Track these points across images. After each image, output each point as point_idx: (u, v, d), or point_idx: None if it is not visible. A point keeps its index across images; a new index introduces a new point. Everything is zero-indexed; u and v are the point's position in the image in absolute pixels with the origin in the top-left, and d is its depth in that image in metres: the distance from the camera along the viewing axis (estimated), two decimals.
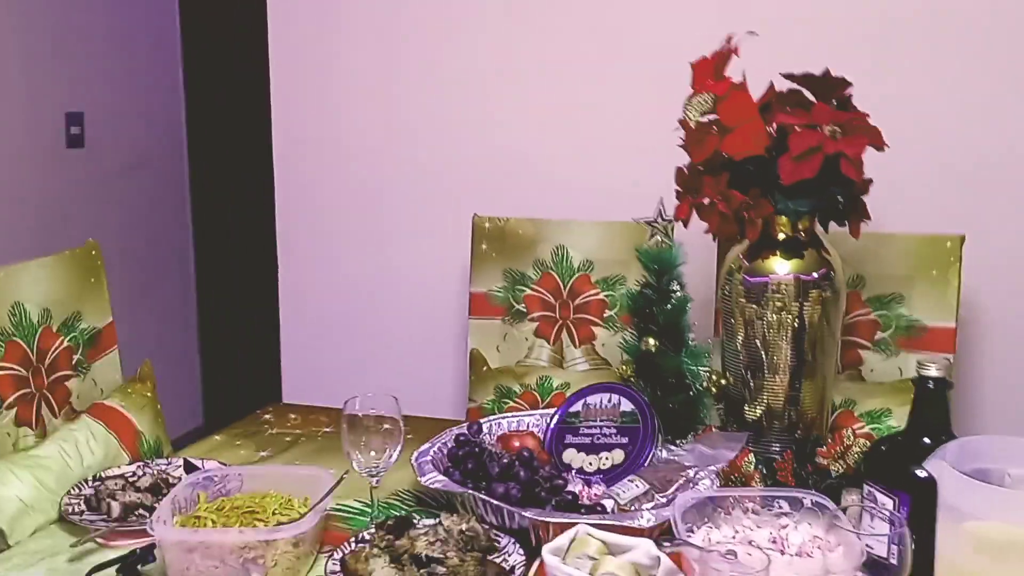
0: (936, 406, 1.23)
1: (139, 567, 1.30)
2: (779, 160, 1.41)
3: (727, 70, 1.46)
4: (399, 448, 1.43)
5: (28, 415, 1.60)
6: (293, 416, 1.95)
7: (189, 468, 1.59)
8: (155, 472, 1.56)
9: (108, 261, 3.09)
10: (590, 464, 1.55)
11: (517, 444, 1.59)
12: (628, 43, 2.21)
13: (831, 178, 1.42)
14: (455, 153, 2.37)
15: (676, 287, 1.60)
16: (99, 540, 1.37)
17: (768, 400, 1.56)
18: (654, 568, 1.19)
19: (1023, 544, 1.02)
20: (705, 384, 1.59)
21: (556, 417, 1.60)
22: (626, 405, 1.57)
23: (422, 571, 1.27)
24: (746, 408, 1.58)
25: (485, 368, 2.06)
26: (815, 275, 1.51)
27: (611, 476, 1.52)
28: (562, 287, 2.09)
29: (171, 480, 1.53)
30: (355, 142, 2.46)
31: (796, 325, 1.51)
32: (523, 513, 1.33)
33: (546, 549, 1.21)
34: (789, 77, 1.52)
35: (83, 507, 1.46)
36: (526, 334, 2.11)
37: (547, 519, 1.31)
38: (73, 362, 1.71)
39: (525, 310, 2.11)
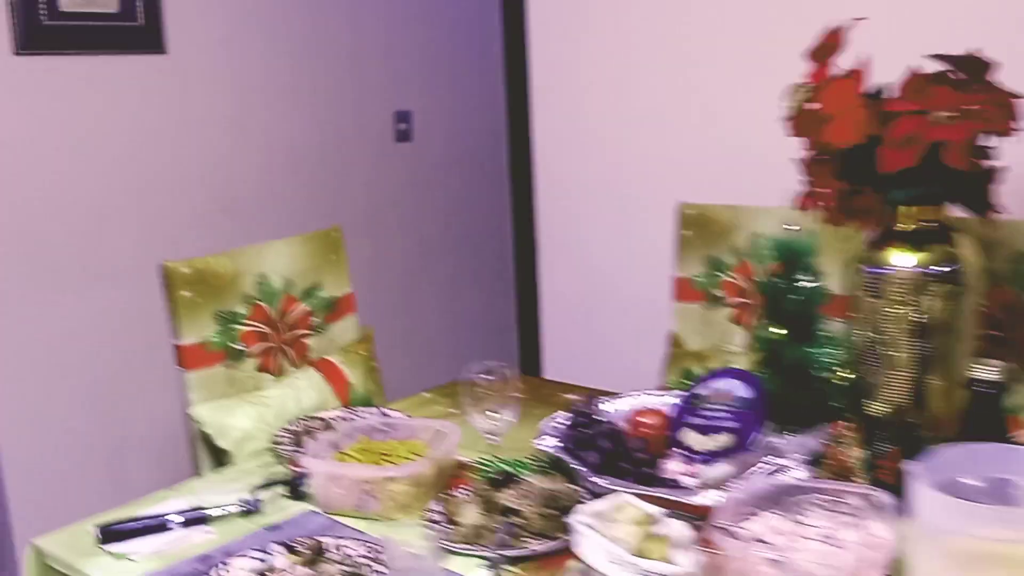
0: (988, 410, 1.15)
1: (300, 487, 1.63)
2: (878, 149, 1.37)
3: (835, 57, 1.44)
4: (513, 412, 1.61)
5: (268, 364, 2.01)
6: (504, 379, 2.18)
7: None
8: (351, 418, 1.89)
9: (430, 246, 3.55)
10: (702, 444, 1.61)
11: (644, 420, 1.70)
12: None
13: (938, 167, 1.35)
14: (663, 142, 2.47)
15: (806, 276, 1.60)
16: (289, 466, 1.72)
17: (888, 396, 1.50)
18: (685, 545, 1.26)
19: (992, 556, 0.96)
20: (830, 377, 1.57)
21: (683, 398, 1.67)
22: (744, 391, 1.60)
23: (500, 518, 1.45)
24: (866, 404, 1.53)
25: (678, 349, 2.14)
26: (938, 268, 1.43)
27: (718, 458, 1.57)
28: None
29: None
30: (599, 135, 2.64)
31: (916, 320, 1.45)
32: (590, 478, 1.45)
33: (583, 509, 1.33)
34: (938, 58, 1.45)
35: (287, 439, 1.82)
36: (723, 320, 2.16)
37: (607, 484, 1.42)
38: (312, 323, 2.10)
39: (723, 295, 2.15)
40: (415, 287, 3.55)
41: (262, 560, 1.41)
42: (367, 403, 2.04)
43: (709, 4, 2.37)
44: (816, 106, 1.44)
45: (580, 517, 1.32)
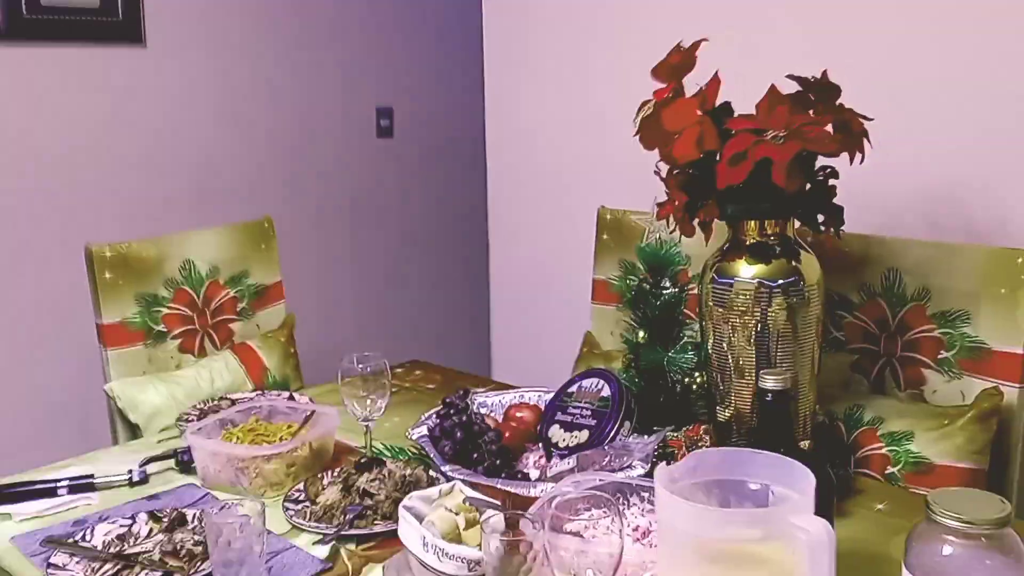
0: (775, 418, 1.21)
1: (186, 462, 1.73)
2: (716, 166, 1.43)
3: (684, 74, 1.50)
4: (384, 400, 1.70)
5: (189, 345, 2.12)
6: (418, 372, 2.27)
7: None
8: (254, 400, 1.99)
9: (411, 236, 3.61)
10: (563, 440, 1.68)
11: (519, 415, 1.77)
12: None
13: (770, 184, 1.40)
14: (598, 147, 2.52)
15: (668, 284, 1.66)
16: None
17: (735, 403, 1.56)
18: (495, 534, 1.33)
19: (725, 555, 1.02)
20: (687, 381, 1.63)
21: (553, 395, 1.75)
22: (606, 391, 1.67)
23: (356, 500, 1.54)
24: (716, 409, 1.59)
25: (588, 350, 2.21)
26: (780, 281, 1.49)
27: (575, 453, 1.64)
28: None
29: None
30: (543, 136, 2.71)
31: (759, 330, 1.50)
32: (441, 466, 1.53)
33: (414, 494, 1.41)
34: (794, 79, 1.50)
35: (194, 417, 1.93)
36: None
37: (451, 472, 1.51)
38: (237, 309, 2.21)
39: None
40: (395, 281, 3.65)
41: (126, 526, 1.52)
42: (282, 387, 2.14)
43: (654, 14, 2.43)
44: (661, 122, 1.50)
45: (406, 501, 1.40)
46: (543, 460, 1.64)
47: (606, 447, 1.62)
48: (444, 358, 2.55)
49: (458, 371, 2.33)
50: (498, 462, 1.58)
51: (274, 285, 2.29)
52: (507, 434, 1.68)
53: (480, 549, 1.30)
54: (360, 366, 1.70)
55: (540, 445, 1.69)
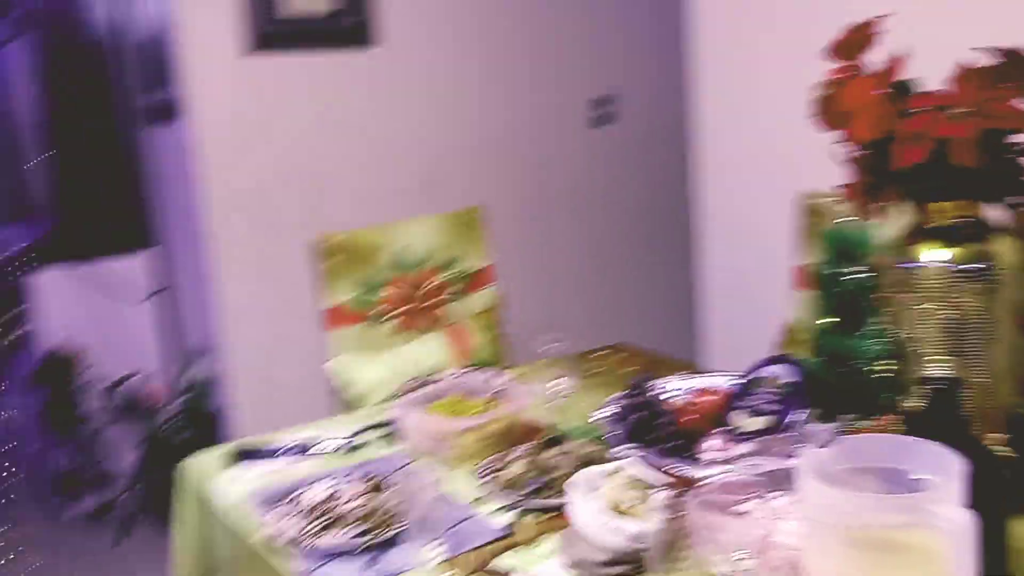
0: (942, 408, 1.17)
1: (396, 433, 1.89)
2: (891, 145, 1.39)
3: (863, 52, 1.46)
4: (571, 381, 1.78)
5: (404, 326, 2.30)
6: (620, 356, 2.33)
7: None
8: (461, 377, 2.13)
9: (619, 224, 3.68)
10: (746, 426, 1.68)
11: (704, 399, 1.79)
12: None
13: (951, 163, 1.35)
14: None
15: (858, 268, 1.62)
16: None
17: (922, 392, 1.50)
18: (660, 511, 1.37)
19: (874, 542, 1.02)
20: (875, 369, 1.59)
21: (740, 380, 1.75)
22: (792, 377, 1.66)
23: (539, 474, 1.64)
24: (902, 398, 1.54)
25: (789, 337, 2.18)
26: (969, 265, 1.42)
27: (755, 439, 1.64)
28: None
29: None
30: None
31: (946, 317, 1.44)
32: (617, 445, 1.59)
33: (587, 469, 1.48)
34: (985, 51, 1.43)
35: (405, 393, 2.09)
36: None
37: (626, 451, 1.56)
38: (448, 292, 2.37)
39: None
40: (602, 266, 3.72)
41: (338, 486, 1.69)
42: (488, 366, 2.27)
43: None
44: (840, 101, 1.47)
45: (578, 475, 1.47)
46: (723, 444, 1.65)
47: (788, 434, 1.61)
48: (650, 343, 2.59)
49: (660, 356, 2.36)
50: (674, 444, 1.62)
51: (484, 269, 2.43)
52: (689, 418, 1.71)
53: (644, 524, 1.35)
54: (551, 348, 1.79)
55: (722, 430, 1.70)
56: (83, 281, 3.48)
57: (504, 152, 3.42)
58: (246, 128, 3.00)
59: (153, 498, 3.12)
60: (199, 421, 3.27)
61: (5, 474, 3.74)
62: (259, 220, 2.99)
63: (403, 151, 3.21)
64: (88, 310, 3.50)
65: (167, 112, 3.13)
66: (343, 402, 2.19)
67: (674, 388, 1.90)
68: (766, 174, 2.68)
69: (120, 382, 3.40)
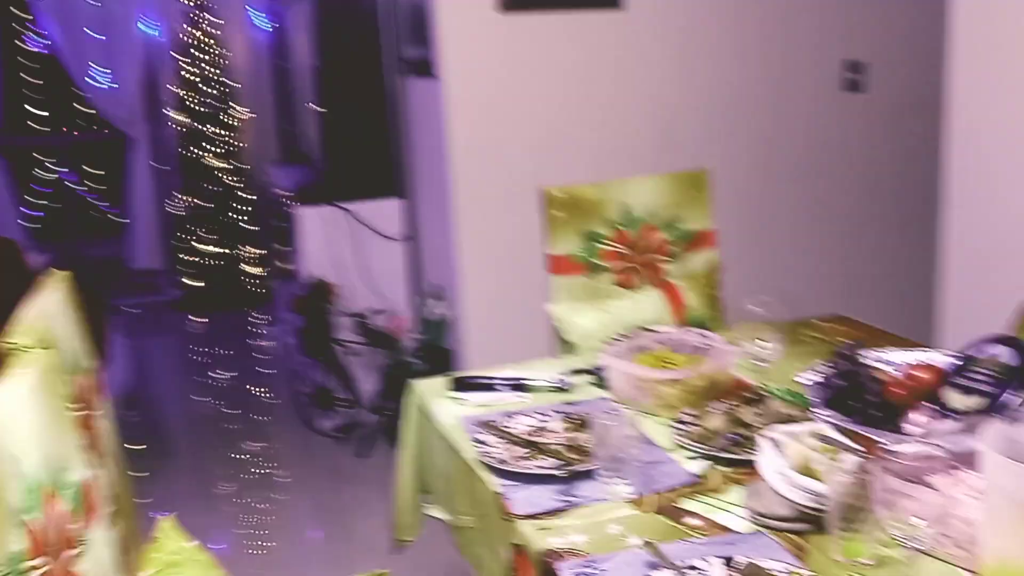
0: None
1: (602, 378, 1.99)
2: None
3: None
4: (777, 344, 1.79)
5: (623, 280, 2.38)
6: (842, 328, 2.29)
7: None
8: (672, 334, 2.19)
9: (861, 194, 3.58)
10: (957, 404, 1.63)
11: (918, 374, 1.75)
12: None
13: None
14: None
15: None
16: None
17: None
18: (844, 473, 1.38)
19: None
20: None
21: (957, 359, 1.70)
22: (1012, 360, 1.59)
23: (735, 429, 1.68)
24: None
25: None
26: None
27: (964, 417, 1.59)
28: None
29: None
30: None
31: None
32: (816, 408, 1.60)
33: (780, 427, 1.51)
34: None
35: (617, 342, 2.18)
36: None
37: (820, 415, 1.57)
38: (669, 251, 2.42)
39: None
40: (836, 236, 3.61)
41: (544, 421, 1.82)
42: (700, 326, 2.31)
43: None
44: None
45: (770, 432, 1.50)
46: (928, 420, 1.62)
47: (1001, 415, 1.56)
48: (878, 318, 2.52)
49: (883, 332, 2.30)
50: (875, 414, 1.61)
51: (706, 232, 2.46)
52: (897, 390, 1.69)
53: (828, 485, 1.37)
54: (761, 310, 1.82)
55: (930, 405, 1.67)
56: (342, 221, 3.82)
57: (742, 115, 3.40)
58: (494, 84, 3.17)
59: (390, 420, 3.40)
60: (435, 356, 3.52)
61: (268, 395, 4.21)
62: (498, 172, 3.16)
63: (640, 111, 3.27)
64: (344, 247, 3.83)
65: (424, 67, 3.35)
66: (560, 345, 2.32)
67: (889, 360, 1.88)
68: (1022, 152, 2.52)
69: (368, 314, 3.72)
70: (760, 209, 3.46)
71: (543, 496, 1.57)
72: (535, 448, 1.71)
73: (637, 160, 3.20)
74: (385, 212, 3.82)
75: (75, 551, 1.13)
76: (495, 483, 1.62)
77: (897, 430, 1.59)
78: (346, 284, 3.80)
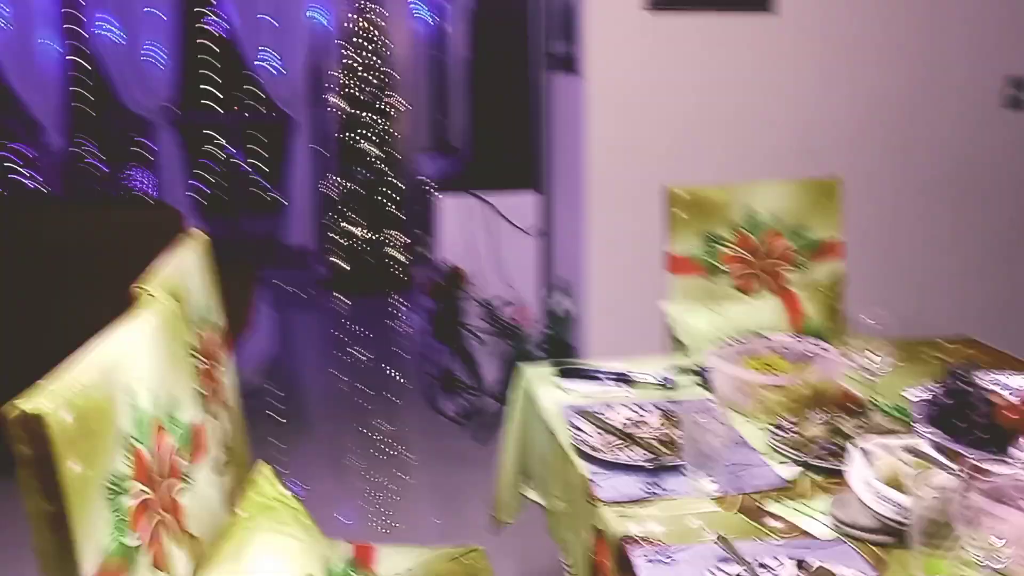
0: None
1: (706, 379, 1.99)
2: None
3: None
4: (886, 359, 1.75)
5: (742, 284, 2.36)
6: (969, 351, 2.20)
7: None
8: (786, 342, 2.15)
9: (1004, 219, 3.40)
10: None
11: None
12: None
13: None
14: None
15: None
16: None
17: None
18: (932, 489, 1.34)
19: None
20: None
21: None
22: None
23: (833, 439, 1.66)
24: None
25: None
26: None
27: None
28: None
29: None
30: None
31: None
32: (917, 425, 1.55)
33: (874, 439, 1.49)
34: None
35: (729, 345, 2.17)
36: None
37: (921, 431, 1.52)
38: (793, 259, 2.38)
39: None
40: (978, 259, 3.44)
41: (642, 415, 1.83)
42: (816, 336, 2.26)
43: None
44: None
45: (863, 443, 1.48)
46: None
47: None
48: (1011, 345, 2.41)
49: (1011, 356, 2.20)
50: (982, 435, 1.55)
51: (833, 242, 2.41)
52: (1009, 414, 1.62)
53: (916, 500, 1.34)
54: (876, 324, 1.78)
55: None
56: (480, 211, 3.91)
57: (886, 126, 3.29)
58: (635, 82, 3.19)
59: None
60: (558, 348, 3.57)
61: (401, 376, 4.36)
62: (632, 170, 3.18)
63: (780, 116, 3.22)
64: (480, 237, 3.93)
65: (569, 64, 3.40)
66: (672, 342, 2.32)
67: (1007, 384, 1.80)
68: None
69: (497, 304, 3.80)
70: (894, 223, 3.34)
71: (629, 485, 1.59)
72: (628, 439, 1.73)
73: (771, 164, 3.15)
74: (521, 204, 3.89)
75: (179, 484, 1.23)
76: (585, 468, 1.65)
77: (1003, 454, 1.53)
78: (478, 272, 3.89)
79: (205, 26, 6.23)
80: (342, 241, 5.81)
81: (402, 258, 5.66)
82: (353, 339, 5.11)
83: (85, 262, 3.21)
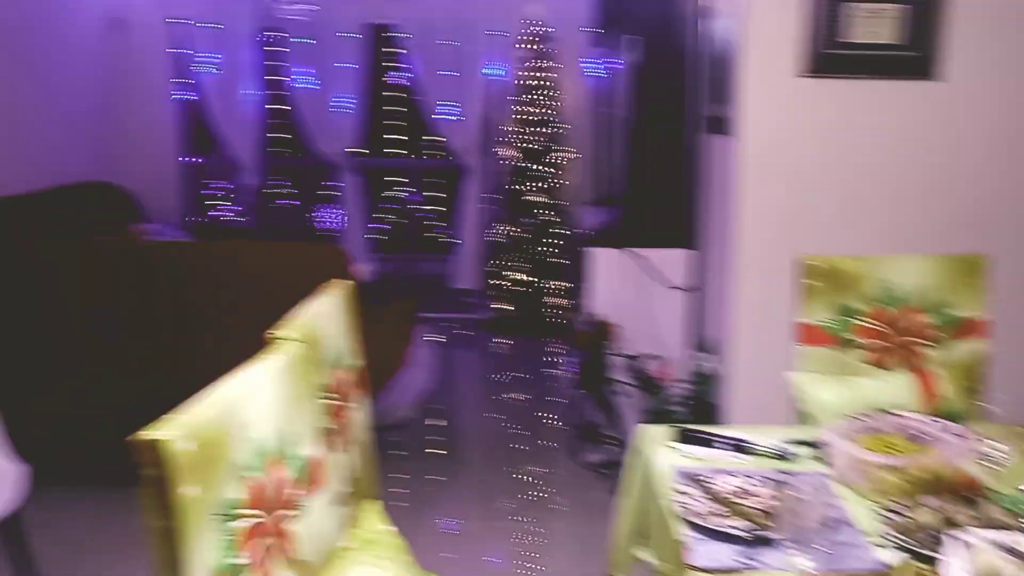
0: None
1: (823, 453, 1.97)
2: None
3: None
4: (1009, 448, 1.68)
5: (875, 358, 2.32)
6: None
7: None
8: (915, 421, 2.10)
9: None
10: None
11: None
12: None
13: None
14: None
15: None
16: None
17: None
18: None
19: None
20: None
21: None
22: None
23: (943, 528, 1.62)
24: None
25: None
26: None
27: None
28: None
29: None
30: None
31: None
32: None
33: (983, 532, 1.45)
34: None
35: (856, 420, 2.13)
36: None
37: None
38: (931, 336, 2.32)
39: None
40: None
41: (751, 484, 1.84)
42: (950, 418, 2.19)
43: None
44: None
45: (965, 533, 1.44)
46: None
47: None
48: None
49: None
50: None
51: (976, 320, 2.33)
52: None
53: None
54: (1001, 411, 1.73)
55: None
56: (631, 265, 3.97)
57: None
58: (788, 147, 3.18)
59: None
60: (700, 408, 3.56)
61: (550, 421, 4.45)
62: (781, 234, 3.16)
63: (937, 187, 3.13)
64: (629, 290, 3.99)
65: (723, 126, 3.43)
66: (797, 413, 2.30)
67: None
68: None
69: (641, 358, 3.84)
70: None
71: (724, 554, 1.61)
72: (732, 507, 1.75)
73: (925, 237, 3.06)
74: (672, 261, 3.92)
75: (291, 512, 1.36)
76: (682, 533, 1.68)
77: None
78: (626, 326, 3.94)
79: (390, 79, 6.64)
80: (504, 286, 6.00)
81: (559, 306, 5.78)
82: (507, 382, 5.27)
83: (255, 291, 3.49)
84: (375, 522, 1.53)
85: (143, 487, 1.08)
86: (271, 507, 1.30)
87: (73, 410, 3.63)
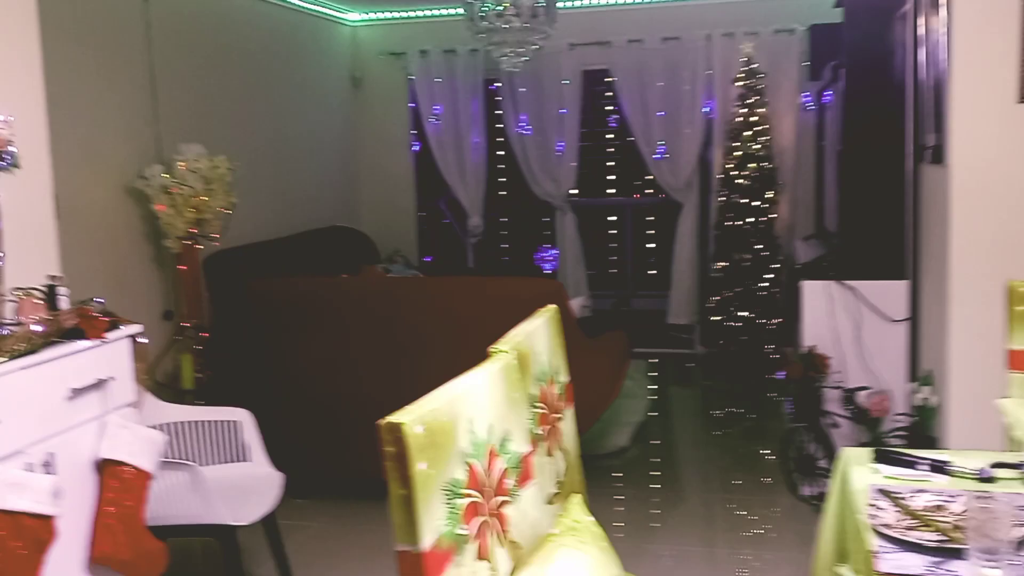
0: None
1: None
2: None
3: None
4: None
5: None
6: None
7: None
8: None
9: None
10: None
11: None
12: None
13: None
14: None
15: None
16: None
17: None
18: None
19: None
20: None
21: None
22: None
23: None
24: None
25: None
26: None
27: None
28: None
29: None
30: None
31: None
32: None
33: None
34: None
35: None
36: None
37: None
38: None
39: None
40: None
41: (947, 501, 1.87)
42: None
43: None
44: None
45: None
46: None
47: None
48: None
49: None
50: None
51: None
52: None
53: None
54: None
55: None
56: (845, 297, 3.96)
57: None
58: (1003, 175, 3.12)
59: None
60: (918, 441, 3.50)
61: (771, 456, 4.46)
62: (995, 263, 3.09)
63: None
64: (844, 323, 3.97)
65: (936, 154, 3.40)
66: (1007, 439, 2.27)
67: None
68: None
69: (855, 390, 3.81)
70: None
71: (913, 563, 1.67)
72: (923, 520, 1.79)
73: None
74: (888, 293, 3.88)
75: (505, 498, 1.57)
76: (874, 543, 1.75)
77: None
78: (839, 358, 3.92)
79: (606, 121, 6.90)
80: (720, 321, 6.04)
81: (774, 340, 5.75)
82: (722, 416, 5.32)
83: (480, 320, 3.80)
84: (579, 513, 1.71)
85: (386, 462, 1.31)
86: (488, 491, 1.51)
87: (325, 423, 4.07)
